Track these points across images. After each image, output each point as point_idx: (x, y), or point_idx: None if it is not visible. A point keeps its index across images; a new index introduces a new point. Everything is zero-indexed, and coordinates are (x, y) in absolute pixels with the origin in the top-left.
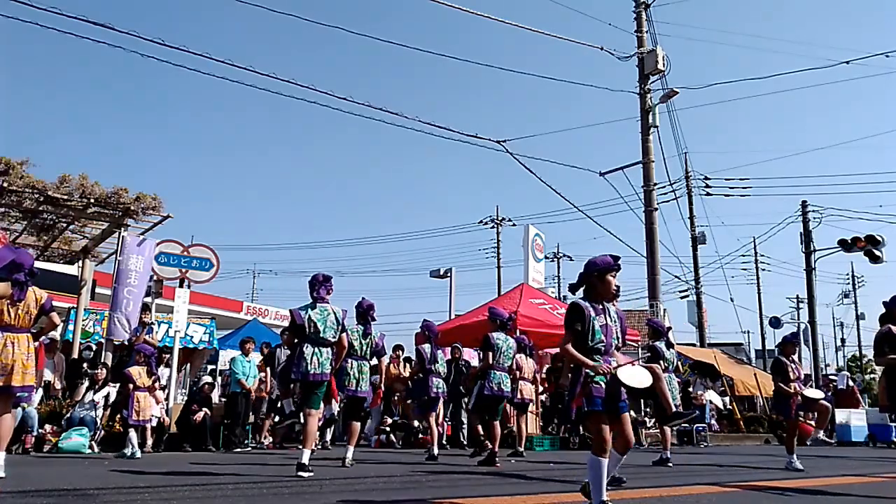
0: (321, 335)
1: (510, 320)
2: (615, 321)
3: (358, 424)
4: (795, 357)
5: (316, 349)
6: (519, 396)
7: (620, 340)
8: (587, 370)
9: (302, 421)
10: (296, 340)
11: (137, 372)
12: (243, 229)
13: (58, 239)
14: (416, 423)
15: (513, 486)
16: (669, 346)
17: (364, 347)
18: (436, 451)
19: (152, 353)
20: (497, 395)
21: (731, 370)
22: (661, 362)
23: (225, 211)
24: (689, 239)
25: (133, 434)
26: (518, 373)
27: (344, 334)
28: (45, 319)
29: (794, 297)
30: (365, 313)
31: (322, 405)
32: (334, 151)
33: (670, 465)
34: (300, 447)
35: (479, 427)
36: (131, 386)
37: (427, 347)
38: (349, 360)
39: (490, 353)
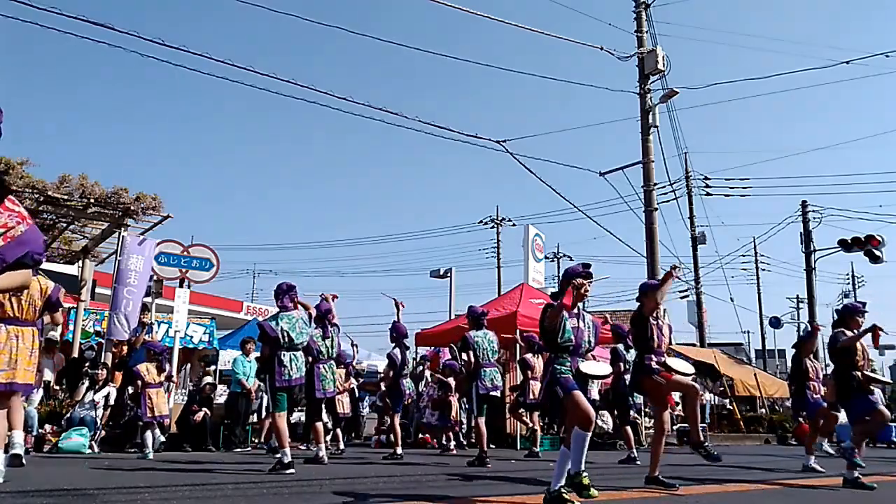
0: (295, 342)
1: (483, 315)
2: (588, 327)
3: (321, 424)
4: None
5: (292, 355)
6: (532, 396)
7: (592, 345)
8: (555, 365)
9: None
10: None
11: (146, 368)
12: (243, 229)
13: (58, 239)
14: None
15: (512, 486)
16: (628, 348)
17: (326, 350)
18: (399, 450)
19: (163, 349)
20: (492, 391)
21: (731, 370)
22: (622, 364)
23: (225, 211)
24: (689, 239)
25: (149, 433)
26: (530, 372)
27: (310, 335)
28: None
29: (794, 297)
30: (323, 317)
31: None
32: (334, 151)
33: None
34: (279, 447)
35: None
36: (140, 383)
37: (398, 352)
38: (320, 365)
39: (470, 353)
